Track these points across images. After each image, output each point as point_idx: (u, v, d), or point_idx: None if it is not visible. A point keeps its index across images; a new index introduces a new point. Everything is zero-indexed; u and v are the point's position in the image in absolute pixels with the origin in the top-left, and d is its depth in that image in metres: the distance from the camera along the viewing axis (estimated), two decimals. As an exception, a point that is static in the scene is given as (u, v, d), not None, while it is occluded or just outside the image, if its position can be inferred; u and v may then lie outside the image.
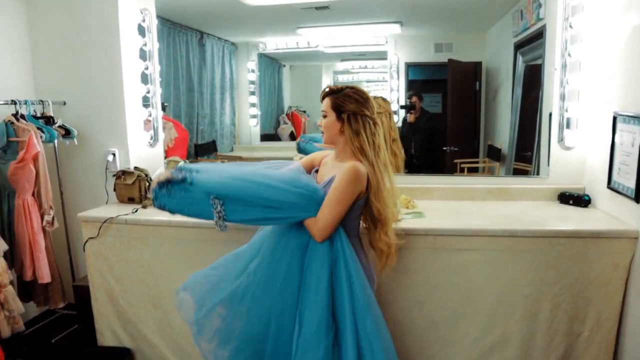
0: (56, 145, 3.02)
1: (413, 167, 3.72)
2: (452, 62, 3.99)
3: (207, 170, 1.79)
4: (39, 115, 2.95)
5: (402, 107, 3.97)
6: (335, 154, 1.94)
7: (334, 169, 1.85)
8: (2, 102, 2.75)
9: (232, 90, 4.91)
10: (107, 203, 2.97)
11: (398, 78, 4.14)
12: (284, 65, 5.15)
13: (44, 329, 3.15)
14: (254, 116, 4.90)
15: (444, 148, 3.87)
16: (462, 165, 3.70)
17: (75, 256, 3.24)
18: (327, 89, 1.89)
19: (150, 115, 3.12)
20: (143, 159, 3.11)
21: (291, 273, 1.79)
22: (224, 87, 4.85)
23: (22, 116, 2.81)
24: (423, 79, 4.39)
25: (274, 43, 4.71)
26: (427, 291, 2.26)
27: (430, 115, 3.95)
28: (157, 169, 3.06)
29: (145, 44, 3.06)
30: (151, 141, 3.16)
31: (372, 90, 4.70)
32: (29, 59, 3.15)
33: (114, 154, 3.03)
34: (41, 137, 2.77)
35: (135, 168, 2.89)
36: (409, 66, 4.20)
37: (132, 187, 2.83)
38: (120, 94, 2.99)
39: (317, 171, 2.00)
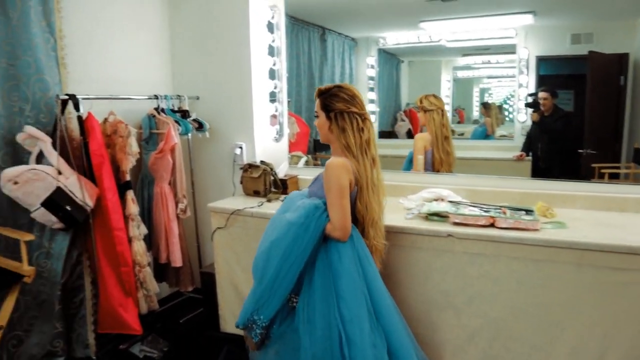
0: (189, 137, 3.20)
1: (538, 171, 3.42)
2: (593, 55, 3.57)
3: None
4: (176, 109, 3.13)
5: (526, 104, 3.66)
6: (332, 154, 2.00)
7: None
8: (147, 97, 2.96)
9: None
10: (233, 195, 3.09)
11: (527, 73, 3.82)
12: (402, 61, 5.01)
13: (173, 309, 3.37)
14: (372, 112, 4.83)
15: (579, 150, 3.50)
16: (603, 171, 3.29)
17: (203, 244, 3.41)
18: (318, 90, 1.98)
19: (276, 110, 3.19)
20: (269, 153, 3.19)
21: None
22: (343, 82, 4.83)
23: (162, 110, 3.01)
24: (556, 74, 4.01)
25: (394, 38, 4.59)
26: (568, 312, 2.01)
27: (565, 114, 3.59)
28: (282, 163, 3.12)
29: (273, 40, 3.13)
30: (277, 136, 3.23)
31: (495, 87, 4.39)
32: (168, 56, 3.37)
33: (241, 148, 3.14)
34: (178, 129, 2.94)
35: (262, 162, 2.97)
36: (541, 60, 3.85)
37: (257, 180, 2.91)
38: (249, 90, 3.08)
39: None
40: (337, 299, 1.82)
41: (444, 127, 3.03)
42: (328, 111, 1.93)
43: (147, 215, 3.08)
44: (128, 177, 2.75)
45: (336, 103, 1.91)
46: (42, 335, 2.58)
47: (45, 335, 2.58)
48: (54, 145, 2.41)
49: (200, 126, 3.12)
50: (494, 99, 4.33)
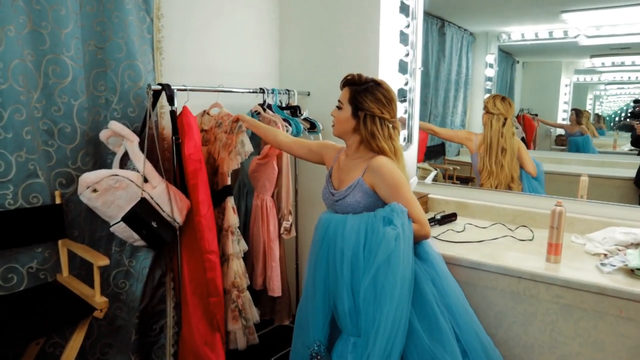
0: (297, 140, 2.66)
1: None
2: None
3: None
4: (284, 105, 2.61)
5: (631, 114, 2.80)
6: (347, 151, 1.79)
7: (355, 170, 1.71)
8: (251, 91, 2.46)
9: (466, 87, 4.19)
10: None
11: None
12: (518, 61, 4.26)
13: (261, 340, 2.85)
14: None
15: None
16: None
17: (303, 268, 2.87)
18: (349, 77, 1.71)
19: (405, 111, 2.57)
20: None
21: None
22: (458, 83, 4.17)
23: (269, 106, 2.50)
24: None
25: (519, 33, 3.82)
26: None
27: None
28: (411, 178, 2.50)
29: (407, 26, 2.53)
30: (404, 143, 2.61)
31: (610, 95, 3.46)
32: (276, 44, 2.87)
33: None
34: (287, 129, 2.41)
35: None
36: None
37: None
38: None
39: (330, 175, 1.83)
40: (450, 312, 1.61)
41: (502, 136, 2.67)
42: (357, 109, 1.67)
43: (242, 232, 2.60)
44: (229, 181, 2.26)
45: (370, 103, 1.66)
46: (116, 368, 2.17)
47: (119, 368, 2.17)
48: (141, 145, 1.97)
49: (312, 127, 2.58)
50: (604, 108, 3.42)
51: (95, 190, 1.86)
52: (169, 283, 2.28)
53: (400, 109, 2.57)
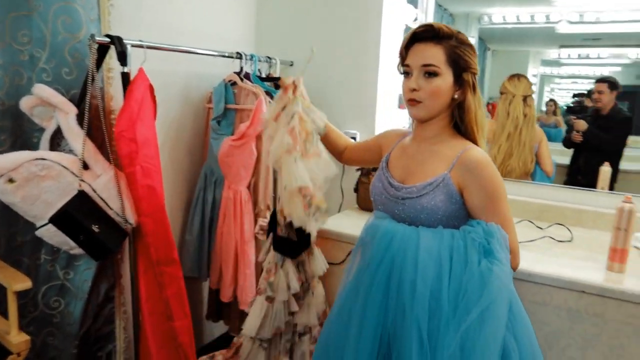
0: (278, 119, 2.19)
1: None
2: None
3: None
4: (264, 76, 2.13)
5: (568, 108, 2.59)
6: (419, 134, 1.28)
7: (435, 161, 1.21)
8: (226, 55, 1.97)
9: None
10: (340, 209, 2.09)
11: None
12: (489, 49, 4.01)
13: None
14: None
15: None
16: None
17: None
18: (434, 28, 1.17)
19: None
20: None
21: None
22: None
23: (247, 75, 2.01)
24: None
25: (500, 15, 3.52)
26: None
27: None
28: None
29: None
30: (409, 126, 2.19)
31: (562, 89, 3.27)
32: (252, 3, 2.37)
33: (354, 139, 2.13)
34: (270, 104, 1.94)
35: (391, 164, 1.95)
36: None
37: (385, 192, 1.89)
38: (374, 55, 2.07)
39: (387, 162, 1.33)
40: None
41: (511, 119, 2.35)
42: (462, 69, 1.19)
43: (208, 229, 2.12)
44: None
45: (473, 58, 1.20)
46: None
47: (51, 413, 1.67)
48: (80, 119, 1.44)
49: (297, 105, 2.11)
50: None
51: (11, 180, 1.33)
52: (118, 297, 1.79)
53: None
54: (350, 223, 1.85)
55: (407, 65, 1.20)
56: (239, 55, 1.99)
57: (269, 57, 2.14)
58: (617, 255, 1.44)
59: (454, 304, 1.09)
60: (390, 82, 2.19)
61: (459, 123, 1.23)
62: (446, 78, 1.18)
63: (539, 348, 1.15)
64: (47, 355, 1.66)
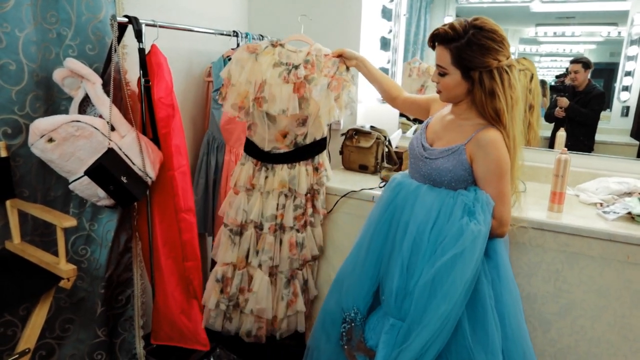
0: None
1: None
2: None
3: None
4: (257, 52, 2.37)
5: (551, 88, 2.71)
6: (455, 108, 1.51)
7: (459, 132, 1.45)
8: (224, 33, 2.20)
9: (423, 50, 4.06)
10: (328, 169, 2.36)
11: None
12: None
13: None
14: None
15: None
16: None
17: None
18: (440, 32, 1.38)
19: (388, 61, 2.42)
20: (374, 116, 2.44)
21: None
22: (416, 45, 4.03)
23: (244, 51, 2.26)
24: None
25: None
26: None
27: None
28: (395, 131, 2.37)
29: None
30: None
31: (554, 68, 3.40)
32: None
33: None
34: (264, 78, 2.19)
35: (372, 128, 2.22)
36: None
37: (367, 152, 2.17)
38: (356, 27, 2.34)
39: (426, 126, 1.58)
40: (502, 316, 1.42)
41: (530, 93, 2.50)
42: (467, 69, 1.36)
43: (212, 191, 2.38)
44: (325, 132, 1.96)
45: (480, 57, 1.34)
46: (79, 344, 1.93)
47: (83, 344, 1.93)
48: (105, 88, 1.68)
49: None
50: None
51: (51, 140, 1.58)
52: (136, 248, 2.04)
53: (383, 57, 2.41)
54: (337, 179, 2.12)
55: (438, 65, 1.44)
56: (236, 34, 2.23)
57: (261, 35, 2.38)
58: (556, 198, 1.73)
59: (433, 246, 1.39)
60: (369, 54, 2.42)
61: (485, 107, 1.40)
62: (454, 76, 1.40)
63: (523, 322, 1.47)
64: (77, 296, 1.91)
